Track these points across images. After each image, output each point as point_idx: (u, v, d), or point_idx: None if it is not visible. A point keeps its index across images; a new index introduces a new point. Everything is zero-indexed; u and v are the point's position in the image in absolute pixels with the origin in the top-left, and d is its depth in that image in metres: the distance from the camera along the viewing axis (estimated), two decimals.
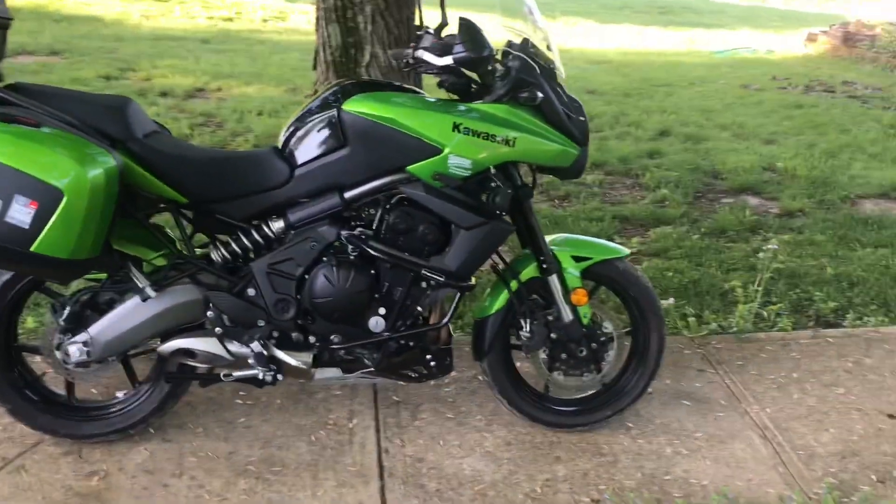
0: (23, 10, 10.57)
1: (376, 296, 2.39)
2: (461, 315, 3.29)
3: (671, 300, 3.38)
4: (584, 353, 2.59)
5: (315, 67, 5.82)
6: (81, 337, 2.33)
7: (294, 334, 2.40)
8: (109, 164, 2.03)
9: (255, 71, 8.52)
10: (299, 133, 2.33)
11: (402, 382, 2.58)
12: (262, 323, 2.37)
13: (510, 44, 2.40)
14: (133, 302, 2.32)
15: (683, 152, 6.07)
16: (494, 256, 2.55)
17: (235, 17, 12.60)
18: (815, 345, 3.34)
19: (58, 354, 2.35)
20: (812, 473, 2.57)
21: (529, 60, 2.33)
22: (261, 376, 2.40)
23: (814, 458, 2.64)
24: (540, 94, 2.32)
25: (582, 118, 2.44)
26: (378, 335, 2.41)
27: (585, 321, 2.57)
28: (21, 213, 1.91)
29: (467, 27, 2.15)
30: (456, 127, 2.26)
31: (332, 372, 2.46)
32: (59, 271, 2.05)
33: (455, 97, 2.39)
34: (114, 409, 2.51)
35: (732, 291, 3.56)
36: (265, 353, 2.37)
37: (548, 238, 2.63)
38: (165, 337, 2.39)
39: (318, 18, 5.72)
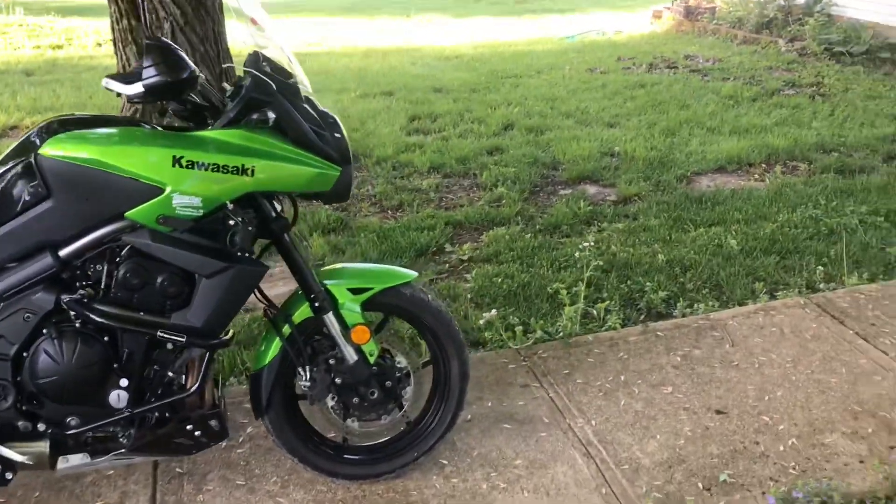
0: None
1: (114, 366, 2.05)
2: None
3: (493, 312, 3.16)
4: (376, 394, 2.32)
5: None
6: None
7: (20, 423, 2.03)
8: None
9: (79, 102, 7.90)
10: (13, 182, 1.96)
11: (168, 457, 2.24)
12: None
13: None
14: None
15: (525, 146, 5.90)
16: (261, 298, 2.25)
17: (65, 44, 11.80)
18: (644, 341, 3.17)
19: None
20: (636, 490, 2.38)
21: (262, 77, 2.03)
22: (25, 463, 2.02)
23: (639, 471, 2.46)
24: (271, 114, 2.03)
25: (338, 135, 2.16)
26: (122, 411, 2.06)
27: (373, 359, 2.29)
28: None
29: (158, 49, 1.83)
30: (177, 161, 1.94)
31: (79, 458, 2.10)
32: None
33: (187, 125, 2.07)
34: None
35: (558, 294, 3.37)
36: None
37: (331, 267, 2.37)
38: None
39: (114, 41, 5.29)
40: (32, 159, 1.93)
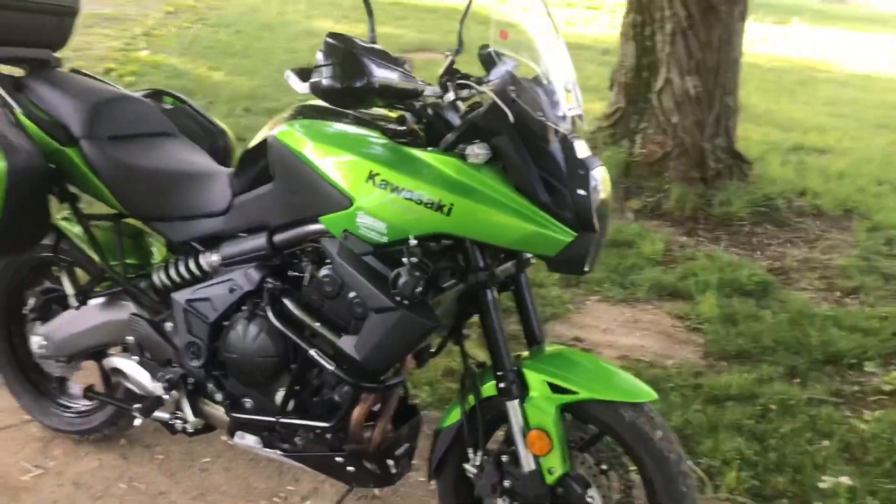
0: None
1: (290, 367, 1.95)
2: None
3: (843, 478, 2.24)
4: None
5: (611, 87, 5.24)
6: (41, 330, 2.32)
7: (209, 385, 2.08)
8: None
9: None
10: (248, 156, 1.99)
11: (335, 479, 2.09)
12: (175, 364, 2.09)
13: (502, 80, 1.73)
14: (75, 310, 2.23)
15: None
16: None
17: None
18: None
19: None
20: None
21: (500, 104, 1.65)
22: (170, 421, 2.13)
23: None
24: (480, 151, 1.65)
25: (582, 192, 1.67)
26: (283, 414, 1.97)
27: (552, 479, 1.79)
28: None
29: (336, 48, 1.57)
30: (371, 177, 1.70)
31: (252, 440, 2.08)
32: None
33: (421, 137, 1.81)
34: (74, 410, 2.46)
35: None
36: (171, 396, 2.09)
37: (555, 348, 1.92)
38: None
39: (621, 34, 5.12)
40: (266, 140, 1.89)
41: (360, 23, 10.17)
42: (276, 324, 1.87)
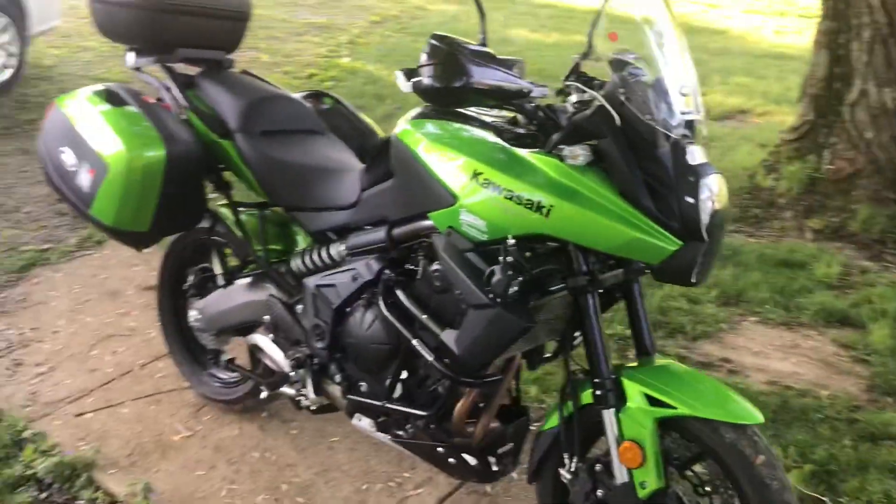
0: None
1: (401, 356, 2.02)
2: None
3: None
4: None
5: (800, 99, 4.89)
6: (197, 305, 2.56)
7: (331, 366, 2.20)
8: (155, 153, 2.15)
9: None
10: (376, 154, 2.09)
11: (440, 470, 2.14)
12: (302, 344, 2.23)
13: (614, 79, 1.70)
14: (224, 289, 2.44)
15: None
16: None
17: None
18: None
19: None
20: None
21: (608, 106, 1.63)
22: (296, 397, 2.28)
23: None
24: (580, 153, 1.63)
25: (691, 199, 1.62)
26: (393, 402, 2.04)
27: (643, 493, 1.74)
28: (85, 178, 2.18)
29: (438, 49, 1.60)
30: (475, 175, 1.74)
31: (367, 423, 2.18)
32: (115, 236, 2.28)
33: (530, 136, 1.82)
34: (221, 380, 2.68)
35: None
36: (297, 374, 2.24)
37: (664, 361, 1.86)
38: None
39: (814, 42, 4.76)
40: (390, 137, 1.98)
41: (555, 31, 10.22)
42: (386, 313, 1.95)
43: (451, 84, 1.62)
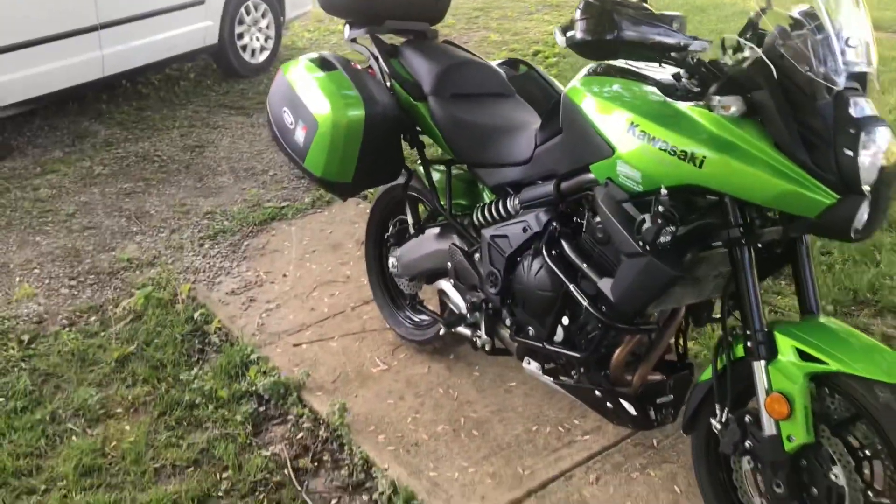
0: None
1: (564, 303, 2.14)
2: None
3: None
4: (782, 490, 1.76)
5: None
6: (395, 253, 2.82)
7: (503, 312, 2.36)
8: (357, 112, 2.41)
9: None
10: (549, 112, 2.21)
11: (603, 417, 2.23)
12: (478, 290, 2.41)
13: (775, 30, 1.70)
14: (416, 238, 2.68)
15: None
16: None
17: None
18: None
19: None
20: None
21: (765, 60, 1.64)
22: (472, 338, 2.47)
23: None
24: (731, 105, 1.65)
25: (849, 152, 1.59)
26: (554, 345, 2.17)
27: (790, 447, 1.73)
28: (300, 134, 2.50)
29: (591, 6, 1.67)
30: (631, 127, 1.82)
31: (535, 366, 2.33)
32: (324, 186, 2.58)
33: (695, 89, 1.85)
34: (414, 322, 2.93)
35: None
36: (472, 317, 2.42)
37: (826, 320, 1.83)
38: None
39: None
40: (560, 96, 2.09)
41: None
42: (548, 261, 2.08)
43: (602, 37, 1.71)
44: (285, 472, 2.44)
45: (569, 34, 1.78)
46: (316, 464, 2.47)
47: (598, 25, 1.71)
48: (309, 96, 2.48)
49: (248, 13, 6.34)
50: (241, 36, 6.32)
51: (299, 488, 2.38)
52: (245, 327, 3.14)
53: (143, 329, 3.15)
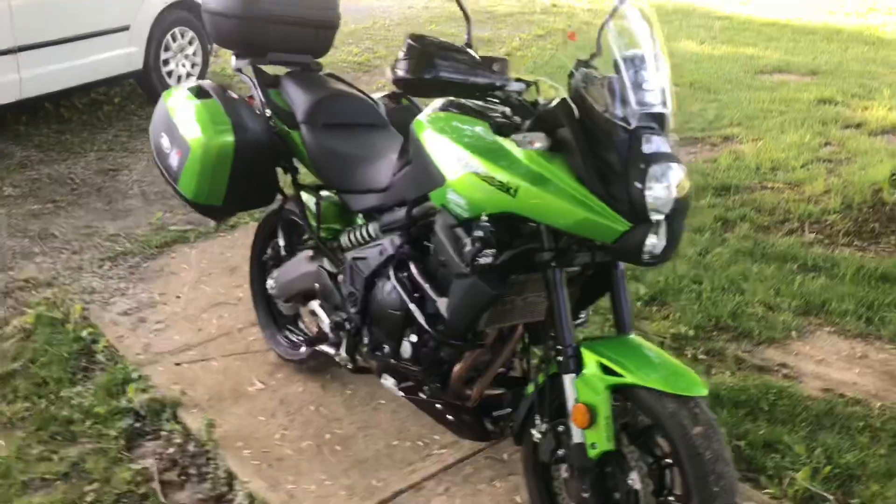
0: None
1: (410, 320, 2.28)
2: None
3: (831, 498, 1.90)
4: (588, 495, 1.91)
5: None
6: (273, 275, 2.94)
7: (364, 330, 2.49)
8: (227, 139, 2.54)
9: None
10: (403, 144, 2.36)
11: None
12: (341, 310, 2.54)
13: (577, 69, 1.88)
14: (290, 260, 2.81)
15: None
16: None
17: None
18: None
19: None
20: None
21: (567, 101, 1.82)
22: (334, 356, 2.59)
23: None
24: (541, 144, 1.82)
25: (639, 185, 1.76)
26: (402, 362, 2.30)
27: (593, 454, 1.88)
28: (175, 158, 2.62)
29: (410, 47, 1.84)
30: (459, 159, 1.98)
31: (391, 382, 2.45)
32: (196, 208, 2.70)
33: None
34: (288, 342, 3.05)
35: None
36: (334, 335, 2.55)
37: (634, 338, 2.00)
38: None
39: None
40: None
41: (725, 44, 9.97)
42: (394, 283, 2.22)
43: (421, 76, 1.87)
44: (152, 485, 2.51)
45: (394, 70, 1.94)
46: (183, 477, 2.55)
47: (418, 65, 1.87)
48: (183, 122, 2.60)
49: (174, 40, 6.43)
50: (166, 62, 6.41)
51: (163, 500, 2.45)
52: (131, 347, 3.21)
53: (30, 347, 3.20)
